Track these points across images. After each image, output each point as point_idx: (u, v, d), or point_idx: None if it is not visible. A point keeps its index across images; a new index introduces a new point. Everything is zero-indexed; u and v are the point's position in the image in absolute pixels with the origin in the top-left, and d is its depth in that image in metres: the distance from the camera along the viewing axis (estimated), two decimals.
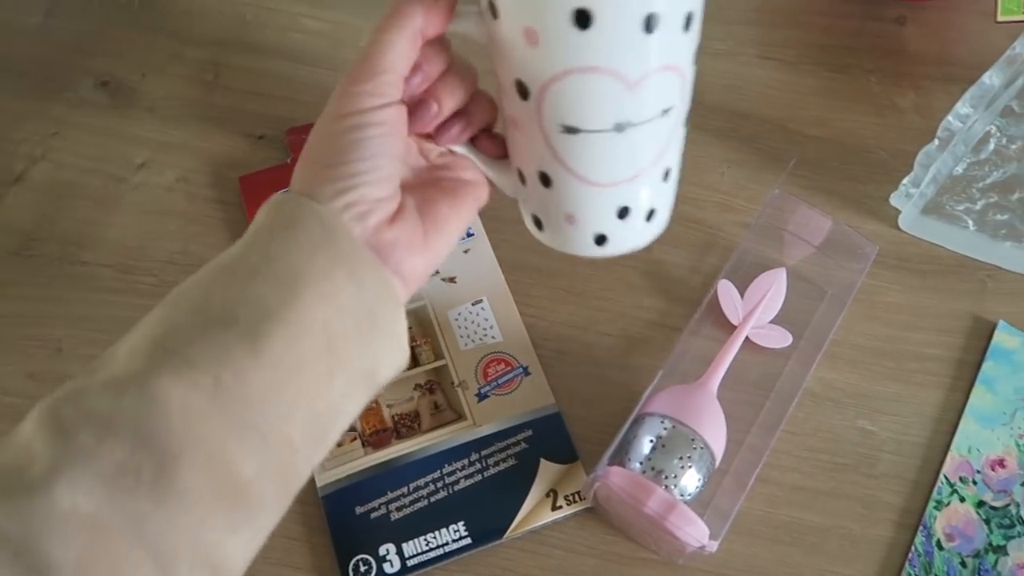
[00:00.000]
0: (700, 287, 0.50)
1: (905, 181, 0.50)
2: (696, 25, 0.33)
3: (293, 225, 0.31)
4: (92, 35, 0.61)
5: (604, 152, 0.34)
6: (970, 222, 0.48)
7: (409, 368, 0.47)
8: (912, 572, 0.42)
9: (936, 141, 0.47)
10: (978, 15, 0.59)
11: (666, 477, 0.41)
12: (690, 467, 0.41)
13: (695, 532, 0.38)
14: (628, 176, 0.35)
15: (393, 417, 0.46)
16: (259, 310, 0.30)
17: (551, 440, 0.45)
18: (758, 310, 0.48)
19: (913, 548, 0.42)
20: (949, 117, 0.46)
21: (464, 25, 0.34)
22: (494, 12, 0.32)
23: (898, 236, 0.51)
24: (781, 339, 0.48)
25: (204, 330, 0.29)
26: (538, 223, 0.38)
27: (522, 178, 0.37)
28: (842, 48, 0.59)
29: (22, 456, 0.28)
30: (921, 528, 0.43)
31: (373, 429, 0.45)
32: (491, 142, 0.37)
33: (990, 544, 0.42)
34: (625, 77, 0.32)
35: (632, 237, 0.37)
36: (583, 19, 0.30)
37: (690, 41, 0.33)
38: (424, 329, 0.48)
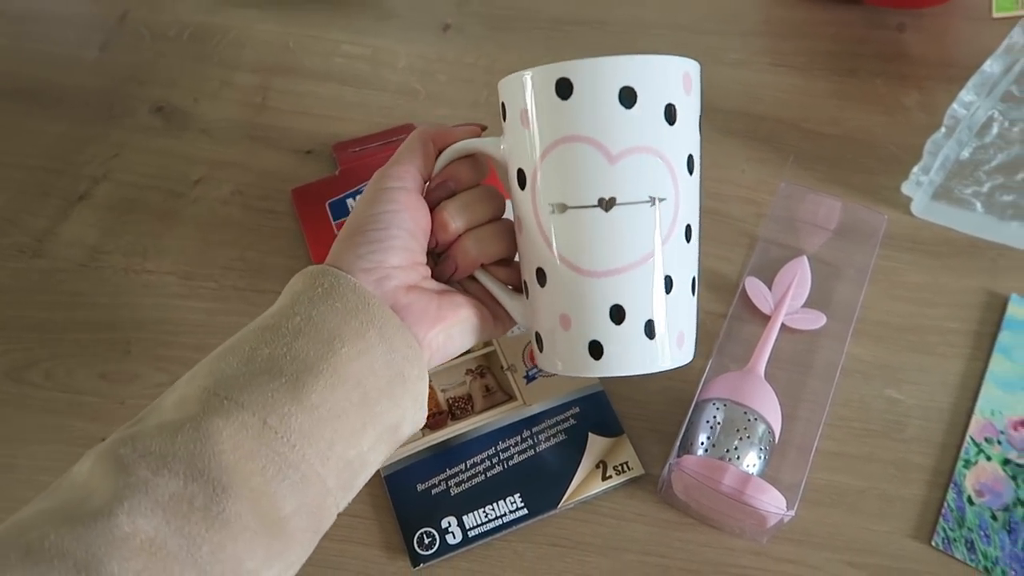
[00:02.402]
0: (732, 275, 0.53)
1: (915, 169, 0.53)
2: (685, 122, 0.36)
3: (331, 294, 0.35)
4: (145, 66, 0.66)
5: (591, 232, 0.35)
6: (978, 204, 0.52)
7: (460, 355, 0.50)
8: (946, 526, 0.44)
9: (943, 129, 0.51)
10: (971, 20, 0.63)
11: (728, 451, 0.43)
12: (748, 439, 0.43)
13: (772, 500, 0.40)
14: (617, 265, 0.36)
15: (448, 400, 0.49)
16: (301, 364, 0.33)
17: (597, 416, 0.48)
18: (787, 299, 0.51)
19: (945, 504, 0.45)
20: (954, 105, 0.50)
21: (483, 144, 0.39)
22: (504, 114, 0.38)
23: (912, 221, 0.55)
24: (815, 321, 0.50)
25: (252, 379, 0.33)
26: (539, 342, 0.39)
27: (526, 291, 0.39)
28: (849, 54, 0.63)
29: (80, 491, 0.31)
30: (952, 486, 0.45)
31: (430, 412, 0.48)
32: (508, 270, 0.42)
33: (1018, 498, 0.45)
34: (606, 148, 0.35)
35: (631, 352, 0.37)
36: (565, 88, 0.35)
37: (676, 135, 0.36)
38: None
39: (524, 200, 0.37)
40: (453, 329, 0.39)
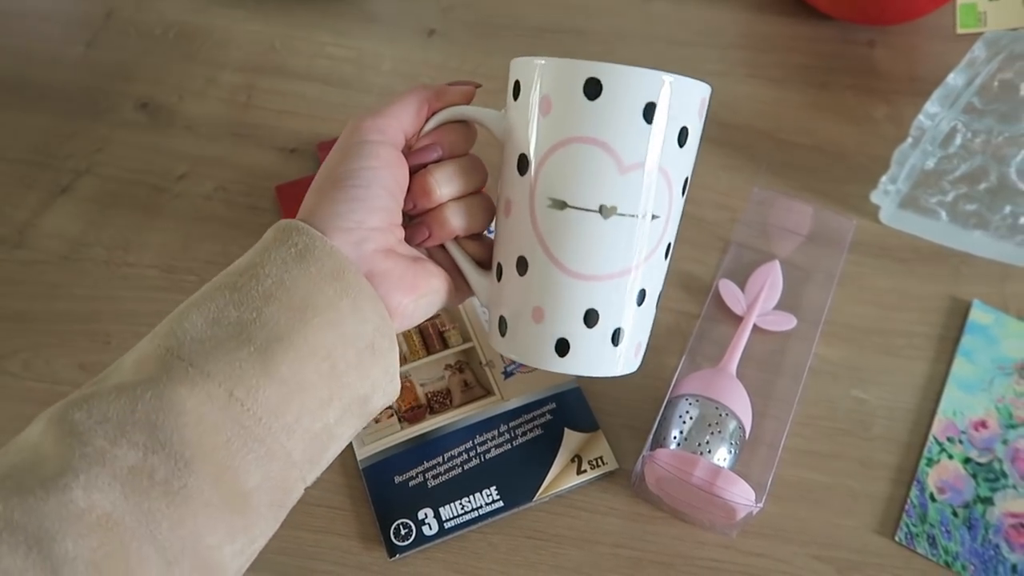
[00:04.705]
0: (705, 277, 0.55)
1: (883, 179, 0.55)
2: (691, 146, 0.37)
3: (305, 257, 0.33)
4: (131, 63, 0.66)
5: (584, 236, 0.36)
6: (943, 213, 0.53)
7: (440, 350, 0.51)
8: (909, 522, 0.46)
9: (909, 139, 0.53)
10: (937, 36, 0.66)
11: (700, 445, 0.44)
12: (720, 434, 0.44)
13: (741, 492, 0.41)
14: (602, 273, 0.36)
15: (426, 395, 0.49)
16: (271, 332, 0.32)
17: (573, 412, 0.49)
18: (759, 301, 0.52)
19: (909, 501, 0.46)
20: (920, 116, 0.52)
21: (482, 115, 0.38)
22: (516, 93, 0.37)
23: (880, 229, 0.57)
24: (786, 322, 0.52)
25: (218, 345, 0.32)
26: (503, 326, 0.39)
27: (499, 274, 0.39)
28: (822, 68, 0.65)
29: (30, 457, 0.29)
30: (915, 483, 0.47)
31: (408, 406, 0.49)
32: (478, 244, 0.41)
33: (978, 496, 0.46)
34: (619, 157, 0.35)
35: (594, 354, 0.37)
36: (594, 88, 0.34)
37: (682, 158, 0.36)
38: (452, 315, 0.52)
39: (521, 187, 0.37)
40: (423, 299, 0.37)
